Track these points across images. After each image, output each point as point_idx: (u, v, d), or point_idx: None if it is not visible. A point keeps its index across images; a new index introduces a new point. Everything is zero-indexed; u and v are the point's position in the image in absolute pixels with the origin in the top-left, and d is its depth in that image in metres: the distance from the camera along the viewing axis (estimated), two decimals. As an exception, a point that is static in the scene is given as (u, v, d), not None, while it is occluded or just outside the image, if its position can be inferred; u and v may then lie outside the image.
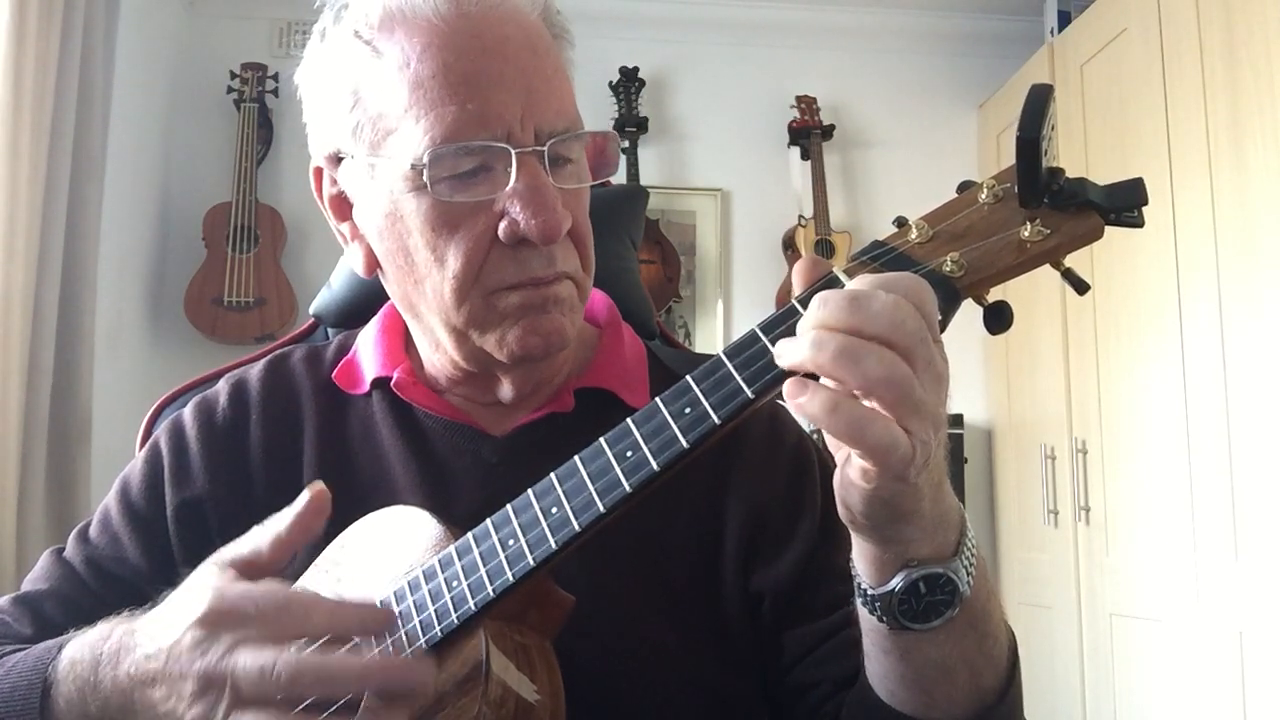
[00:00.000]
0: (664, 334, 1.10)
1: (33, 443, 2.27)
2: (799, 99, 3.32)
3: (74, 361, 2.44)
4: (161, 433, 0.85)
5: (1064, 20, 2.97)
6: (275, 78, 3.20)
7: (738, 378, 0.56)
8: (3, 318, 2.19)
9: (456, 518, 0.68)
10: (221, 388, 0.86)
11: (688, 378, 0.58)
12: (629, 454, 0.58)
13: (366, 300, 1.04)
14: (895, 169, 3.38)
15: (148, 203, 3.08)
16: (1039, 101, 0.56)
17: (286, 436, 0.82)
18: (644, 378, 0.87)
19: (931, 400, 0.52)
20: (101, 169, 2.59)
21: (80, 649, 0.64)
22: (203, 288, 3.02)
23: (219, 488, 0.80)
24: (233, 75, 3.18)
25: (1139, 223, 0.57)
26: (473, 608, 0.61)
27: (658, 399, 0.59)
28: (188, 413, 0.85)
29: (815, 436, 0.80)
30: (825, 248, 3.18)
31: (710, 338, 3.28)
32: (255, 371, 0.87)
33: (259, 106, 3.15)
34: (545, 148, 0.71)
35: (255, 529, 0.63)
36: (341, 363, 0.86)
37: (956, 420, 3.05)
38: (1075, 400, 2.71)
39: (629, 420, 0.59)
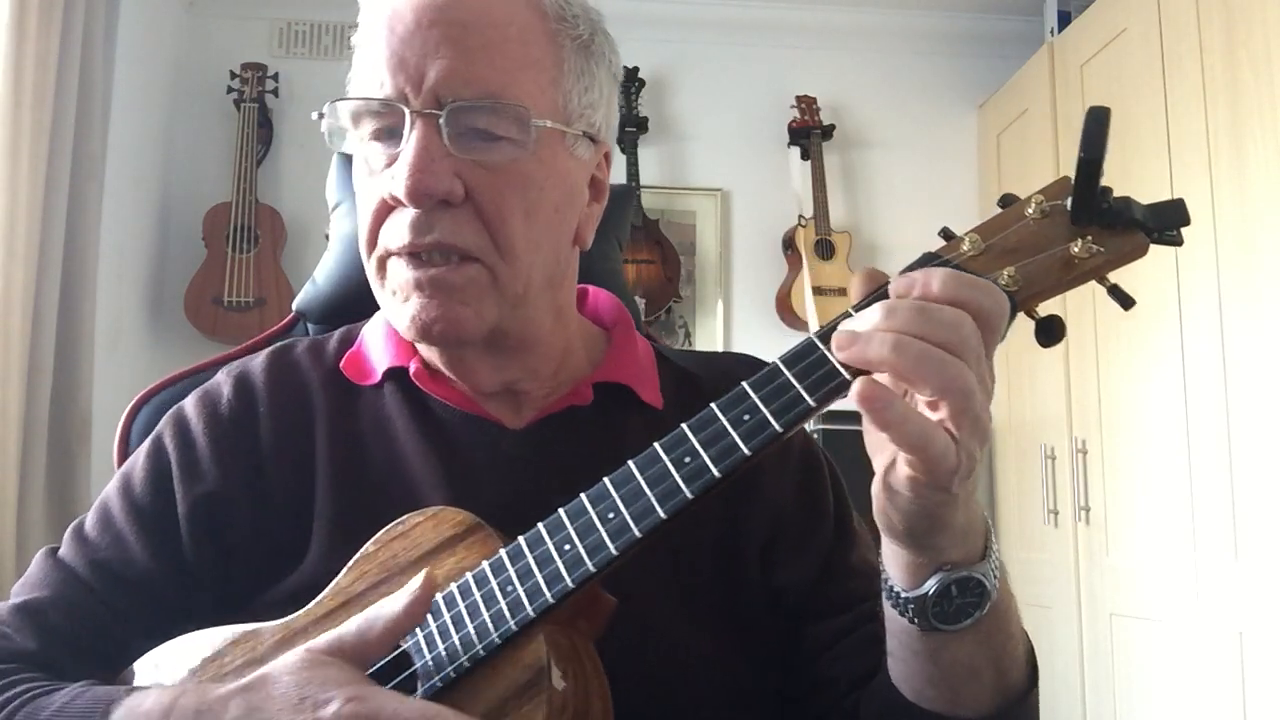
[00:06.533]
0: (649, 336, 1.09)
1: (33, 443, 2.27)
2: (799, 99, 3.33)
3: (74, 361, 2.44)
4: (164, 428, 0.82)
5: (1064, 20, 2.97)
6: (275, 78, 3.20)
7: (798, 386, 0.57)
8: (3, 318, 2.19)
9: (480, 511, 0.68)
10: (223, 380, 0.84)
11: (744, 384, 0.59)
12: (687, 460, 0.59)
13: (350, 296, 1.03)
14: (895, 169, 3.38)
15: (148, 203, 3.08)
16: (1101, 123, 0.56)
17: (297, 428, 0.80)
18: (654, 375, 0.86)
19: (985, 415, 0.54)
20: (101, 169, 2.59)
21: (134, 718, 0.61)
22: (203, 288, 3.03)
23: (231, 481, 0.78)
24: (233, 75, 3.18)
25: (1179, 241, 0.59)
26: (531, 614, 0.61)
27: (713, 405, 0.59)
28: (190, 406, 0.82)
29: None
30: (825, 248, 3.18)
31: (710, 338, 3.28)
32: (258, 363, 0.85)
33: (259, 106, 3.15)
34: (442, 112, 0.71)
35: (357, 616, 0.62)
36: (349, 353, 0.85)
37: (956, 420, 3.05)
38: (1075, 400, 2.71)
39: (684, 426, 0.60)
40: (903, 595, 0.60)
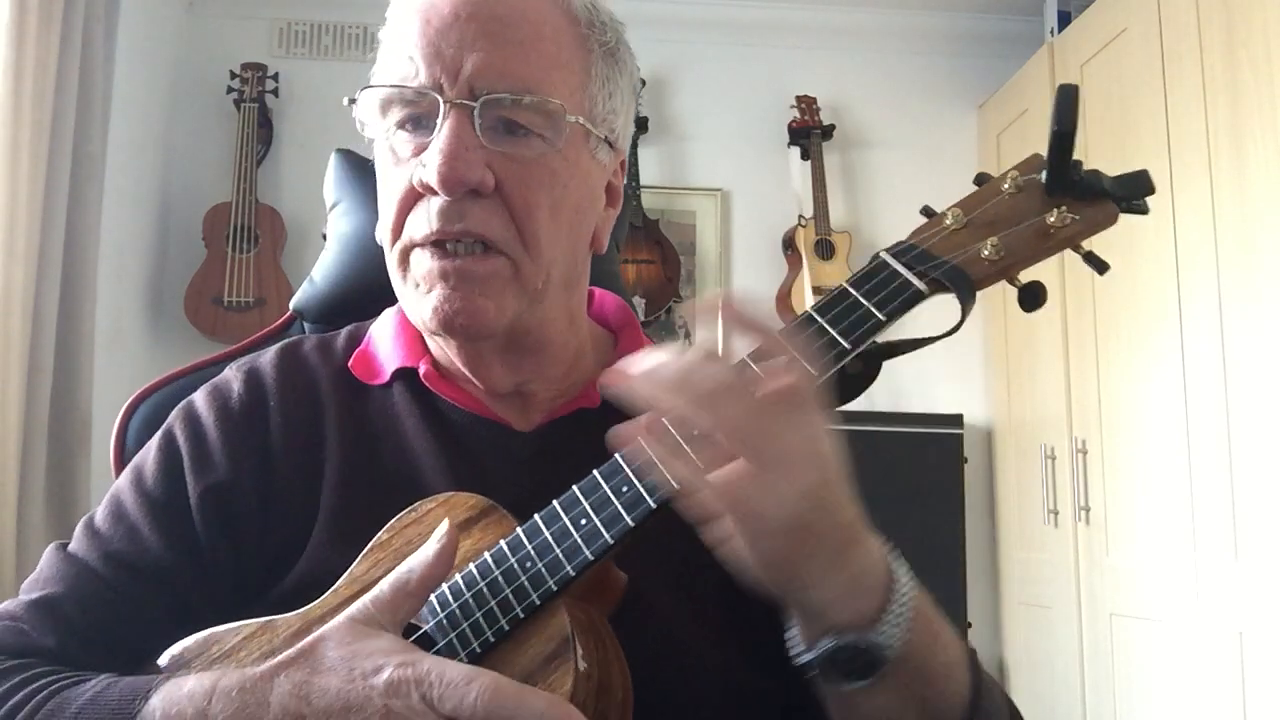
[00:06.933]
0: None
1: (33, 443, 2.27)
2: (799, 99, 3.33)
3: (74, 361, 2.44)
4: (174, 421, 0.82)
5: (1064, 20, 2.97)
6: (275, 78, 3.20)
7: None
8: (3, 318, 2.19)
9: None
10: (233, 375, 0.84)
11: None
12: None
13: (348, 296, 1.04)
14: (895, 169, 3.38)
15: (148, 203, 3.08)
16: (1071, 99, 0.62)
17: (307, 422, 0.81)
18: None
19: (780, 457, 0.56)
20: (101, 169, 2.59)
21: (178, 704, 0.60)
22: (203, 288, 3.03)
23: (242, 473, 0.78)
24: (233, 75, 3.18)
25: (1145, 210, 0.65)
26: (553, 586, 0.62)
27: None
28: (200, 400, 0.82)
29: None
30: (825, 248, 3.18)
31: (710, 338, 3.27)
32: (268, 359, 0.85)
33: (259, 106, 3.15)
34: (476, 103, 0.72)
35: (389, 576, 0.63)
36: (357, 352, 0.85)
37: (956, 420, 3.06)
38: (1075, 400, 2.71)
39: None
40: (802, 654, 0.62)
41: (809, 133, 3.29)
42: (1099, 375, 2.60)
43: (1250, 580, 2.03)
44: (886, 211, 3.35)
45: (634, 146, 3.23)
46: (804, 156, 3.32)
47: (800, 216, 3.27)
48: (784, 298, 3.23)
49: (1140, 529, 2.41)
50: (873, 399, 3.11)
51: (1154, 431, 2.36)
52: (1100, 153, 2.63)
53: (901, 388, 3.17)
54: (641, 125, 3.27)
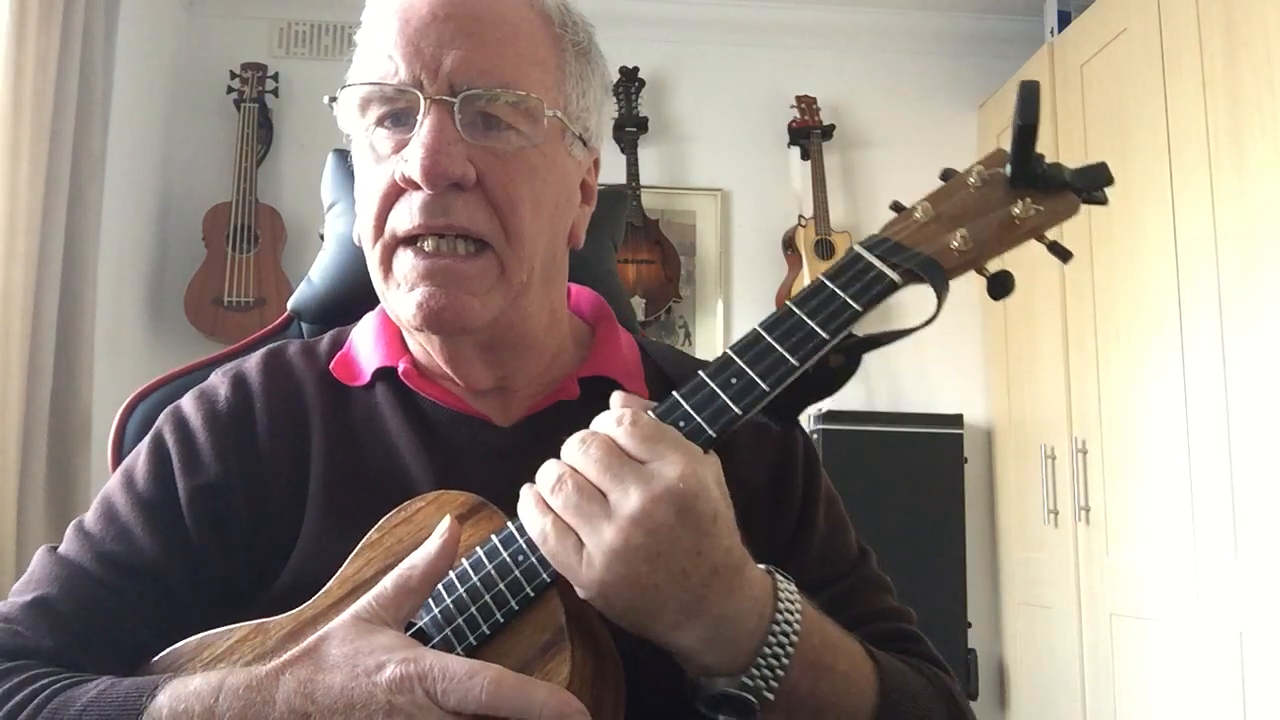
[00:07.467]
0: (630, 329, 1.10)
1: (33, 443, 2.27)
2: (799, 99, 3.33)
3: (74, 361, 2.44)
4: (163, 424, 0.83)
5: (1064, 20, 2.97)
6: (275, 78, 3.21)
7: (779, 348, 0.63)
8: (3, 318, 2.19)
9: None
10: (219, 380, 0.85)
11: (728, 350, 0.65)
12: (681, 424, 0.63)
13: (345, 296, 1.04)
14: (895, 169, 3.38)
15: (148, 203, 3.08)
16: (1034, 94, 0.64)
17: (292, 425, 0.81)
18: (639, 367, 0.88)
19: (594, 515, 0.59)
20: (101, 169, 2.59)
21: (184, 701, 0.60)
22: (203, 288, 3.03)
23: (230, 474, 0.78)
24: (233, 75, 3.18)
25: (1104, 200, 0.66)
26: (546, 578, 0.63)
27: (701, 373, 0.65)
28: (188, 404, 0.83)
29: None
30: (825, 248, 3.18)
31: (710, 338, 3.28)
32: (253, 363, 0.86)
33: (259, 106, 3.15)
34: (456, 99, 0.73)
35: (392, 573, 0.64)
36: (338, 355, 0.86)
37: (956, 420, 3.06)
38: (1075, 400, 2.71)
39: (675, 395, 0.65)
40: (687, 683, 0.65)
41: (809, 133, 3.29)
42: (1099, 375, 2.60)
43: (1250, 580, 2.03)
44: (886, 212, 3.31)
45: (634, 146, 3.24)
46: (804, 156, 3.32)
47: (800, 216, 3.27)
48: (784, 298, 3.23)
49: (1140, 529, 2.41)
50: (872, 399, 3.12)
51: (1154, 431, 2.36)
52: (1100, 153, 2.62)
53: (901, 388, 3.17)
54: (641, 125, 3.27)
